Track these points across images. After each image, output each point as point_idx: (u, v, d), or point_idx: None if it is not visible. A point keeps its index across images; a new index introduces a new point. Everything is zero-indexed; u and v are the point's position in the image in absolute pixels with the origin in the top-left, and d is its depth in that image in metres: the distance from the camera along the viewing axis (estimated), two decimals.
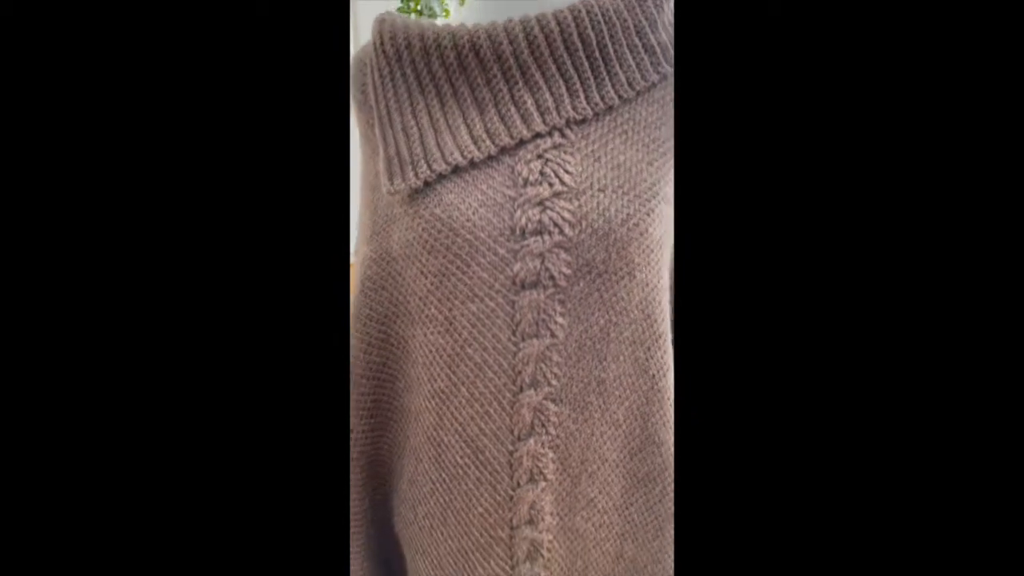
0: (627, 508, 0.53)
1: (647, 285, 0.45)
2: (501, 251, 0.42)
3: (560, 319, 0.43)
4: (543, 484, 0.48)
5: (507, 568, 0.51)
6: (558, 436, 0.47)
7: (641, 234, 0.42)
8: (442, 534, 0.52)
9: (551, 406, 0.46)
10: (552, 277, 0.42)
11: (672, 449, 0.52)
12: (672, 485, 0.53)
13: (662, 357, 0.48)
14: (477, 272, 0.42)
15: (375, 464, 0.57)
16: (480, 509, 0.49)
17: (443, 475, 0.49)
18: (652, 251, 0.44)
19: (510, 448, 0.47)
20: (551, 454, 0.47)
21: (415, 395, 0.50)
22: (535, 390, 0.45)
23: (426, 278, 0.44)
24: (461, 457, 0.48)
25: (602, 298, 0.43)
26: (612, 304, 0.44)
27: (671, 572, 0.57)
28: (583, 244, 0.41)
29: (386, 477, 0.58)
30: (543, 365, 0.44)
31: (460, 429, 0.47)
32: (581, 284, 0.42)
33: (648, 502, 0.53)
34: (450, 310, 0.44)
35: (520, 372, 0.44)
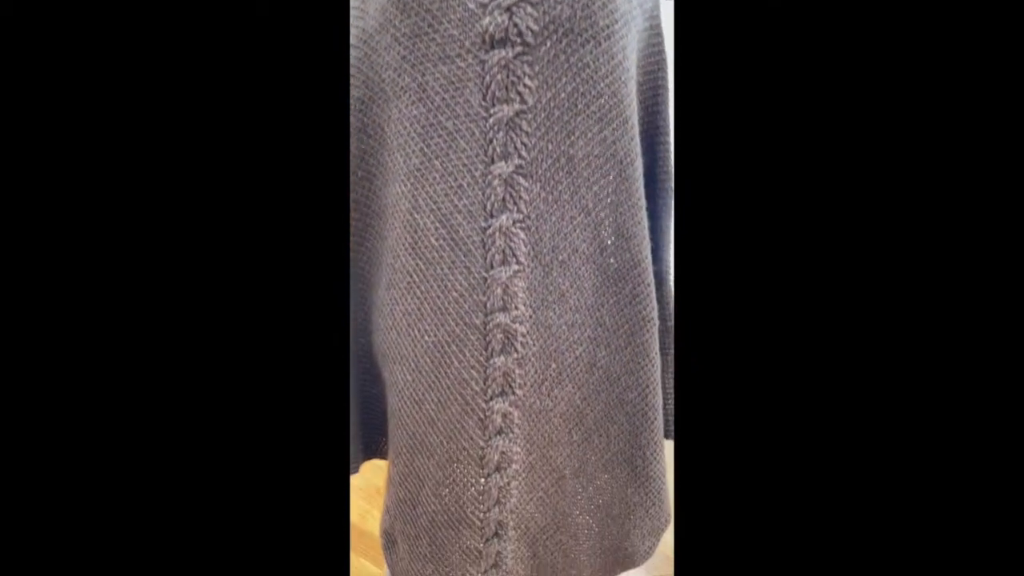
0: (598, 309, 0.54)
1: (613, 59, 0.46)
2: (471, 5, 0.43)
3: (528, 81, 0.45)
4: (515, 267, 0.49)
5: (482, 360, 0.52)
6: (529, 216, 0.48)
7: None
8: (418, 330, 0.53)
9: (522, 180, 0.47)
10: (520, 33, 0.43)
11: (640, 246, 0.53)
12: (641, 286, 0.54)
13: (629, 143, 0.50)
14: (448, 29, 0.44)
15: (355, 279, 0.58)
16: (455, 294, 0.50)
17: (419, 263, 0.51)
18: (616, 21, 0.46)
19: (483, 225, 0.48)
20: (522, 235, 0.49)
21: (391, 186, 0.51)
22: (506, 162, 0.46)
23: (399, 44, 0.46)
24: (436, 239, 0.49)
25: (568, 62, 0.45)
26: (579, 71, 0.45)
27: (644, 387, 0.58)
28: None
29: (365, 294, 0.59)
30: (513, 134, 0.46)
31: (434, 207, 0.48)
32: (548, 44, 0.44)
33: (619, 303, 0.54)
34: (422, 75, 0.46)
35: (491, 141, 0.46)
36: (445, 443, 0.55)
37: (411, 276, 0.51)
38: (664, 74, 0.57)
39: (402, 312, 0.53)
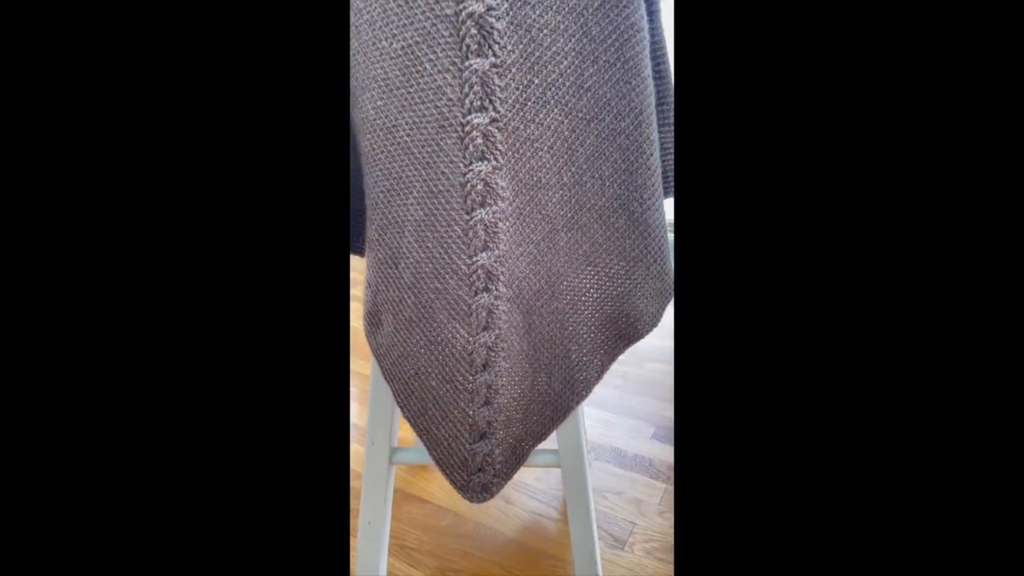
0: (583, 12, 0.49)
1: None
2: None
3: None
4: None
5: (456, 61, 0.47)
6: None
7: None
8: (386, 36, 0.48)
9: None
10: None
11: None
12: None
13: None
14: None
15: None
16: None
17: None
18: None
19: None
20: None
21: None
22: None
23: None
24: None
25: None
26: None
27: (637, 113, 0.53)
28: None
29: None
30: None
31: None
32: None
33: (604, 5, 0.49)
34: None
35: None
36: (423, 172, 0.50)
37: None
38: None
39: (367, 23, 0.48)
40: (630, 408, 1.20)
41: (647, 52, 0.52)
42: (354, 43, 0.50)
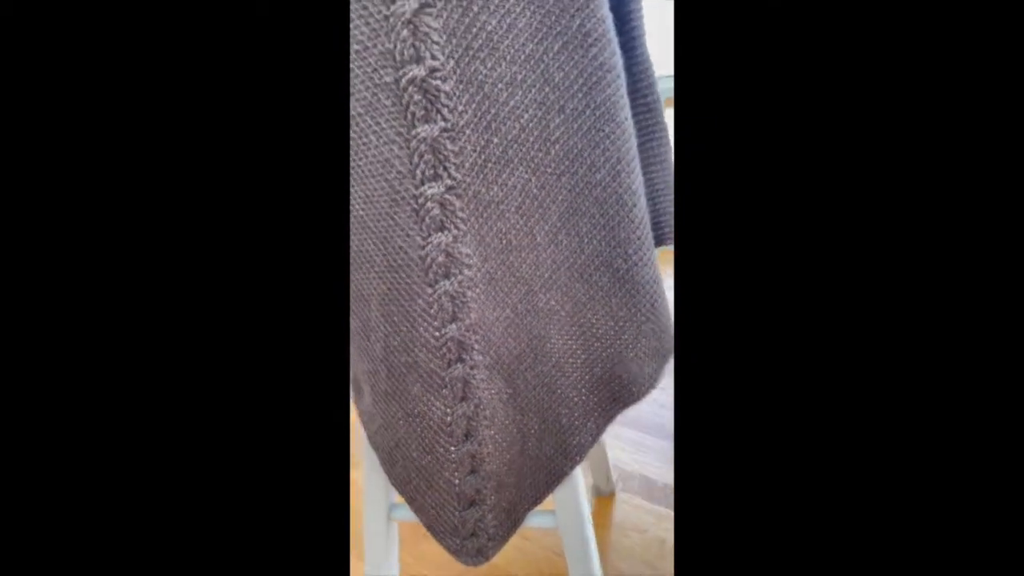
0: (541, 59, 0.44)
1: None
2: None
3: None
4: None
5: (402, 131, 0.43)
6: None
7: None
8: None
9: None
10: None
11: None
12: (592, 21, 0.43)
13: None
14: None
15: None
16: (357, 46, 0.41)
17: None
18: None
19: None
20: None
21: None
22: None
23: None
24: None
25: None
26: None
27: (615, 162, 0.48)
28: None
29: None
30: None
31: None
32: None
33: (566, 47, 0.44)
34: None
35: None
36: (381, 247, 0.47)
37: None
38: None
39: None
40: (665, 427, 1.15)
41: (622, 92, 0.46)
42: None
